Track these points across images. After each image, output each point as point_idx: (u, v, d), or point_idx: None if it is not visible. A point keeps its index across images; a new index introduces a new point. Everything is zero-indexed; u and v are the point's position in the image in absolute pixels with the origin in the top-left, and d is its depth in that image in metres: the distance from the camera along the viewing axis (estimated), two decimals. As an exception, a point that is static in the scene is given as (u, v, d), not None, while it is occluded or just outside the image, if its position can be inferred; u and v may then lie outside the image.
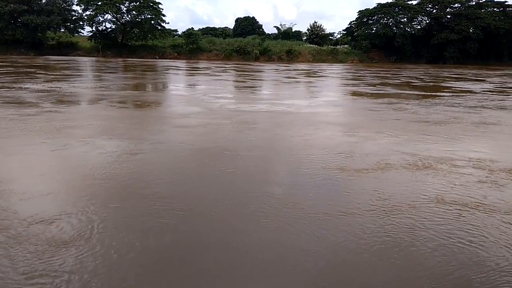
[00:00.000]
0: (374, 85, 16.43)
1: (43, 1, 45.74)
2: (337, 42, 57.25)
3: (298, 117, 8.08)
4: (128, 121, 7.38)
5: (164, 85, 16.20)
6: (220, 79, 18.28)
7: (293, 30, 57.68)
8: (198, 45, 46.98)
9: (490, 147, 5.77)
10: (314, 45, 51.72)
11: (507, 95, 12.76)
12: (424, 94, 12.83)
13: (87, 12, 46.48)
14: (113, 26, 47.70)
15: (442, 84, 16.64)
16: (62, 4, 47.43)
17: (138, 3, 46.59)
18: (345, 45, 53.21)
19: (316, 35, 56.15)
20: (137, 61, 36.16)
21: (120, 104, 9.57)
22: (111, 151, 5.07)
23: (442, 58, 49.38)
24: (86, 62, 31.34)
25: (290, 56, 48.37)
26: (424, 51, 50.29)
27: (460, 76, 23.99)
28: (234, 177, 4.16)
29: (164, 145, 5.51)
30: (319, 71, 27.93)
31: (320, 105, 10.10)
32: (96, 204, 3.28)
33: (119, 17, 47.11)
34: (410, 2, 52.20)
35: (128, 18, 47.38)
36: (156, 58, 44.25)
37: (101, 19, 46.78)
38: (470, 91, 13.73)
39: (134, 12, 46.87)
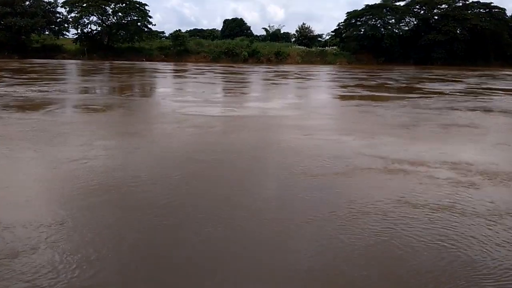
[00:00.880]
0: (347, 86, 16.28)
1: (27, 3, 45.11)
2: (325, 43, 57.17)
3: (251, 120, 7.81)
4: (57, 127, 6.93)
5: (127, 88, 15.48)
6: (193, 81, 18.03)
7: (282, 32, 57.67)
8: (186, 47, 46.67)
9: (458, 149, 5.60)
10: (302, 47, 51.65)
11: (475, 96, 12.59)
12: (393, 96, 12.64)
13: (72, 14, 45.94)
14: (99, 28, 47.23)
15: (415, 86, 16.48)
16: (47, 6, 46.84)
17: (124, 4, 46.16)
18: (334, 47, 53.20)
19: (305, 36, 56.08)
20: (121, 64, 35.73)
21: (62, 109, 9.15)
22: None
23: (430, 59, 49.50)
24: (66, 65, 30.68)
25: (279, 58, 48.25)
26: (412, 52, 50.39)
27: (438, 77, 23.92)
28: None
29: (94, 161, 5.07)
30: (299, 72, 27.72)
31: (281, 108, 9.81)
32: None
33: (105, 19, 46.67)
34: (397, 3, 52.41)
35: (114, 20, 46.94)
36: (143, 61, 43.77)
37: (87, 21, 46.29)
38: (440, 92, 13.57)
39: (120, 14, 46.48)
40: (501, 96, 12.94)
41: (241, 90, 14.80)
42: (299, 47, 51.59)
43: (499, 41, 51.16)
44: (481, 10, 51.18)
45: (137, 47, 46.88)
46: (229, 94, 13.36)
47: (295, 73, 26.57)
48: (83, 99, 11.24)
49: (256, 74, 24.53)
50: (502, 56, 52.79)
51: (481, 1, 51.56)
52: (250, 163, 4.77)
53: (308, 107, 10.31)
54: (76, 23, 45.79)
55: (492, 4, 51.48)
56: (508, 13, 55.25)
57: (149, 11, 47.54)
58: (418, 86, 16.38)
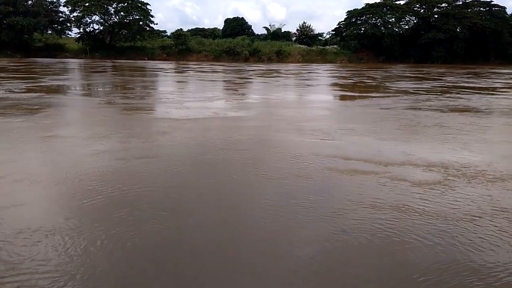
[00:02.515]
0: (320, 85, 16.24)
1: (29, 3, 45.34)
2: (326, 42, 57.42)
3: (198, 122, 7.21)
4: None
5: (101, 86, 14.69)
6: (179, 81, 17.97)
7: (283, 31, 57.80)
8: (187, 46, 46.96)
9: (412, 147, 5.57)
10: (303, 46, 51.86)
11: (439, 95, 12.17)
12: (358, 95, 12.45)
13: (75, 14, 46.28)
14: (101, 28, 47.50)
15: (386, 85, 16.21)
16: (49, 5, 47.12)
17: (126, 4, 46.38)
18: (334, 45, 53.40)
19: (306, 35, 56.31)
20: (121, 63, 35.98)
21: (12, 110, 8.24)
22: None
23: (430, 58, 49.69)
24: (62, 64, 30.15)
25: (280, 57, 48.46)
26: (412, 50, 50.58)
27: (420, 75, 23.68)
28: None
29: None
30: (285, 71, 27.38)
31: (227, 108, 9.12)
32: None
33: (107, 18, 46.89)
34: (398, 2, 52.61)
35: (116, 19, 47.16)
36: (145, 60, 44.05)
37: (89, 20, 46.56)
38: (405, 91, 13.31)
39: (122, 13, 46.68)
40: (469, 94, 12.75)
41: (219, 90, 14.26)
42: (300, 46, 51.80)
43: (499, 40, 51.36)
44: (481, 9, 51.34)
45: (139, 46, 47.15)
46: (209, 95, 12.76)
47: (282, 71, 26.44)
48: (17, 99, 10.02)
49: (241, 73, 23.98)
50: (502, 55, 52.98)
51: (481, 0, 51.74)
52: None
53: (266, 107, 9.63)
54: (78, 22, 46.06)
55: (492, 3, 51.69)
56: (508, 12, 55.50)
57: (151, 10, 47.89)
58: (389, 85, 16.09)
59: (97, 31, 47.72)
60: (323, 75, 24.28)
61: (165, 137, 5.91)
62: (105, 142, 5.49)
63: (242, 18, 59.82)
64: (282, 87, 15.34)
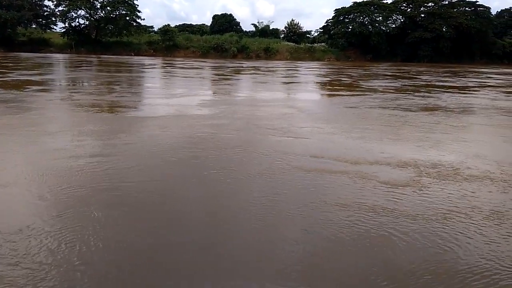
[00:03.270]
0: (293, 83, 16.10)
1: (13, -4, 44.62)
2: (314, 40, 57.52)
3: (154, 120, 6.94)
4: None
5: (67, 81, 14.15)
6: (151, 77, 17.62)
7: (271, 28, 57.73)
8: (175, 42, 46.67)
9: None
10: (291, 43, 51.84)
11: (408, 94, 12.14)
12: (329, 93, 12.44)
13: (60, 8, 45.71)
14: (87, 22, 46.95)
15: (360, 83, 15.92)
16: (33, -1, 46.44)
17: (112, -2, 45.92)
18: (322, 43, 53.51)
19: (294, 33, 56.29)
20: (106, 58, 35.59)
21: None
22: None
23: (416, 57, 50.16)
24: (42, 59, 29.00)
25: (268, 54, 48.43)
26: (399, 49, 50.99)
27: (397, 74, 23.68)
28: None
29: None
30: (266, 68, 27.10)
31: (201, 106, 8.74)
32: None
33: (93, 13, 46.34)
34: (385, 1, 52.99)
35: (102, 14, 46.66)
36: (132, 55, 43.68)
37: (74, 15, 46.02)
38: (375, 90, 13.21)
39: (108, 8, 46.19)
40: (439, 93, 12.56)
41: (171, 86, 13.87)
42: (288, 43, 51.79)
43: (484, 39, 52.08)
44: (467, 9, 52.01)
45: (125, 41, 46.70)
46: (153, 89, 12.49)
47: (263, 68, 26.14)
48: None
49: (220, 69, 23.53)
50: (487, 54, 53.78)
51: (467, 0, 52.39)
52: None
53: (232, 105, 9.15)
54: (63, 16, 45.43)
55: (478, 3, 52.42)
56: (493, 12, 56.38)
57: (137, 5, 47.57)
58: (362, 83, 15.92)
59: (82, 26, 47.19)
60: (303, 72, 24.10)
61: (118, 136, 5.57)
62: (49, 140, 5.26)
63: (230, 14, 59.72)
64: (255, 85, 14.95)
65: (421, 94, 12.47)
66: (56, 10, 46.43)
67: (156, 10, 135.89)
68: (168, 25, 48.06)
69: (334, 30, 52.22)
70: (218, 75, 19.51)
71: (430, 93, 12.92)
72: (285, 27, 57.78)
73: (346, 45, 50.74)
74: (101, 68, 22.79)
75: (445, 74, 24.76)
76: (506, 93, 13.64)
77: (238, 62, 36.62)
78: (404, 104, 9.75)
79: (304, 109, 8.59)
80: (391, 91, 13.22)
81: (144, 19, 57.76)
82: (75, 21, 46.46)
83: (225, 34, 51.30)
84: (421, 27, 50.14)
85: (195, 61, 35.87)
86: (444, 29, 49.90)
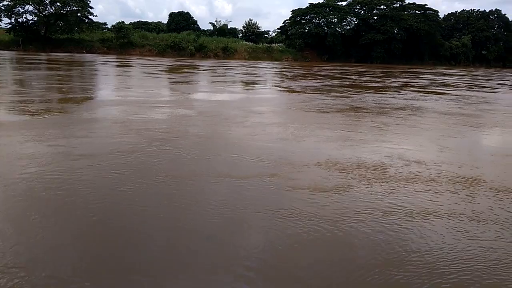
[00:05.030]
0: (216, 82, 16.03)
1: (-48, -11, 41.80)
2: (272, 40, 58.03)
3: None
4: None
5: None
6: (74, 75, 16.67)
7: (229, 27, 57.68)
8: (130, 40, 45.43)
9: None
10: (250, 43, 52.01)
11: (323, 93, 12.37)
12: (241, 92, 12.55)
13: (5, 2, 43.05)
14: (35, 18, 44.72)
15: (287, 83, 16.25)
16: (-25, -7, 43.65)
17: (62, -6, 44.03)
18: (280, 44, 54.08)
19: (252, 32, 56.55)
20: (53, 56, 34.15)
21: None
22: None
23: (370, 58, 51.83)
24: None
25: (227, 53, 48.28)
26: (354, 50, 52.49)
27: (332, 73, 24.11)
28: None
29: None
30: (200, 66, 27.09)
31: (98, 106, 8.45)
32: None
33: (42, 8, 44.21)
34: (340, 3, 54.24)
35: (51, 10, 44.59)
36: (84, 53, 42.12)
37: (21, 10, 43.62)
38: (292, 90, 13.41)
39: (58, 4, 44.19)
40: (357, 94, 12.59)
41: (84, 85, 13.34)
42: (246, 43, 51.91)
43: (432, 41, 54.71)
44: (417, 12, 54.36)
45: (77, 38, 44.91)
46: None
47: (200, 67, 25.92)
48: None
49: (152, 68, 22.85)
50: (435, 55, 56.59)
51: (417, 3, 54.80)
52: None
53: (132, 105, 8.57)
54: (9, 12, 42.94)
55: (427, 6, 54.94)
56: (441, 15, 59.30)
57: (90, 1, 45.84)
58: (291, 84, 16.12)
59: (30, 22, 44.84)
60: (239, 71, 23.89)
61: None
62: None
63: (188, 12, 59.03)
64: (176, 84, 14.49)
65: (337, 94, 12.39)
66: (1, 4, 43.85)
67: (109, 6, 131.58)
68: (122, 22, 46.84)
69: (291, 30, 52.93)
70: (146, 73, 18.65)
71: (347, 93, 12.86)
72: (243, 27, 57.96)
73: (303, 46, 51.55)
74: (31, 66, 21.06)
75: (380, 75, 25.40)
76: (424, 93, 14.01)
77: (182, 60, 36.16)
78: (309, 105, 9.65)
79: (205, 111, 8.00)
80: (308, 91, 13.16)
81: (96, 16, 56.13)
82: (22, 17, 44.11)
83: (182, 32, 50.64)
84: (374, 29, 51.87)
85: (141, 59, 35.07)
86: (395, 31, 51.91)
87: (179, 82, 15.32)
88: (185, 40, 47.51)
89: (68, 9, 44.60)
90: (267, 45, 52.47)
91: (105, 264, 2.29)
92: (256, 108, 8.81)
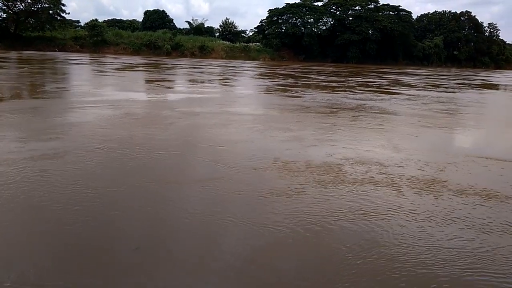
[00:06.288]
0: (164, 80, 15.53)
1: None
2: (249, 39, 58.10)
3: None
4: None
5: None
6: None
7: (206, 26, 57.40)
8: (103, 38, 44.66)
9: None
10: (227, 42, 51.94)
11: (268, 93, 12.49)
12: (187, 91, 12.07)
13: (-29, -2, 41.73)
14: (4, 15, 43.39)
15: (240, 82, 16.42)
16: None
17: (33, -10, 42.88)
18: (257, 43, 54.21)
19: (229, 31, 56.47)
20: (21, 54, 33.20)
21: None
22: None
23: (345, 58, 52.55)
24: None
25: (203, 52, 48.08)
26: (330, 50, 53.13)
27: (294, 73, 24.04)
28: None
29: None
30: (163, 65, 26.54)
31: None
32: None
33: (11, 5, 42.90)
34: (316, 3, 54.75)
35: (21, 7, 43.37)
36: (56, 51, 41.14)
37: (-11, 6, 42.29)
38: (241, 91, 13.17)
39: (29, 1, 43.10)
40: (307, 93, 12.40)
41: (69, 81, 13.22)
42: (224, 42, 51.81)
43: (406, 42, 55.97)
44: (391, 13, 55.47)
45: (48, 36, 43.79)
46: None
47: (162, 66, 25.48)
48: None
49: (105, 66, 22.42)
50: (409, 56, 57.90)
51: (391, 4, 55.94)
52: None
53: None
54: (-24, 8, 41.60)
55: (400, 7, 56.15)
56: (414, 16, 60.69)
57: (62, -2, 44.73)
58: (246, 83, 16.24)
59: (-1, 19, 43.50)
60: (201, 70, 23.32)
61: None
62: None
63: (163, 11, 58.40)
64: (122, 83, 13.98)
65: (287, 94, 12.21)
66: (-33, 0, 42.37)
67: (83, 4, 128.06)
68: (96, 19, 46.02)
69: (268, 30, 53.10)
70: (95, 71, 18.08)
71: (298, 92, 12.69)
72: (220, 26, 57.82)
73: (280, 45, 51.82)
74: None
75: (343, 74, 25.21)
76: (378, 92, 13.92)
77: (150, 59, 35.62)
78: (256, 102, 9.74)
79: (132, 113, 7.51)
80: (259, 91, 13.23)
81: (69, 13, 54.76)
82: (-10, 14, 42.74)
83: (158, 31, 50.11)
84: (349, 30, 52.63)
85: (102, 57, 34.40)
86: (370, 32, 52.83)
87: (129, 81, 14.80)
88: (161, 38, 47.10)
89: (40, 6, 43.53)
90: (244, 44, 52.50)
91: None
92: (193, 109, 8.27)
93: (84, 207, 3.07)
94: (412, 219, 3.08)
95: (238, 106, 9.26)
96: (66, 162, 4.15)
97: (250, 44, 53.33)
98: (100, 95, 9.99)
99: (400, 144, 5.75)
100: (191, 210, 3.12)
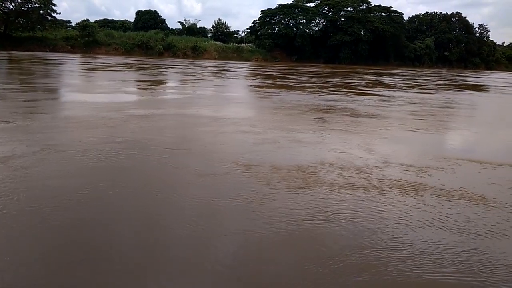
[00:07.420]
0: (146, 81, 15.15)
1: None
2: (242, 40, 58.10)
3: None
4: None
5: None
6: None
7: (198, 26, 57.29)
8: (95, 38, 44.37)
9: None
10: (219, 43, 51.89)
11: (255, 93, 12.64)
12: (152, 90, 12.08)
13: (-41, -3, 41.22)
14: (-6, 15, 42.92)
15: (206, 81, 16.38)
16: None
17: (23, -10, 42.50)
18: (250, 44, 54.23)
19: (221, 32, 56.45)
20: (10, 55, 32.87)
21: None
22: None
23: (338, 59, 52.76)
24: None
25: (196, 53, 47.98)
26: (322, 51, 53.32)
27: (273, 73, 24.12)
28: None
29: None
30: (144, 65, 26.54)
31: None
32: None
33: (1, 5, 42.47)
34: (308, 4, 54.92)
35: (12, 7, 42.97)
36: (47, 51, 40.79)
37: (-21, 6, 41.80)
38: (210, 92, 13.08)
39: (19, 0, 42.69)
40: (277, 94, 12.31)
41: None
42: (216, 42, 51.74)
43: (397, 43, 56.34)
44: (382, 14, 55.84)
45: (39, 36, 43.41)
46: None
47: (140, 65, 25.29)
48: None
49: (85, 64, 22.07)
50: (400, 57, 58.29)
51: (382, 5, 56.28)
52: None
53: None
54: (-36, 7, 41.10)
55: (392, 9, 56.55)
56: (405, 17, 61.16)
57: (53, -2, 44.40)
58: (218, 84, 15.91)
59: (-12, 18, 43.01)
60: (177, 70, 23.05)
61: None
62: None
63: (155, 11, 58.09)
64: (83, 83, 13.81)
65: (256, 95, 12.35)
66: (-44, 0, 41.85)
67: (74, 4, 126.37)
68: (88, 20, 45.74)
69: (260, 31, 53.15)
70: (73, 70, 17.81)
71: (268, 93, 12.69)
72: (213, 26, 57.77)
73: (272, 46, 51.89)
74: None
75: (324, 75, 25.06)
76: (353, 94, 13.78)
77: (134, 59, 35.41)
78: (218, 103, 9.62)
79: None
80: (230, 93, 13.15)
81: (60, 13, 54.38)
82: (-21, 13, 42.22)
83: (150, 31, 49.88)
84: (341, 31, 52.87)
85: (90, 57, 34.14)
86: (362, 33, 53.11)
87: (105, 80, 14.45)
88: (153, 39, 46.94)
89: (30, 6, 43.17)
90: (237, 45, 52.51)
91: None
92: (145, 110, 7.90)
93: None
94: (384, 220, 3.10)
95: (196, 107, 8.79)
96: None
97: (243, 44, 53.34)
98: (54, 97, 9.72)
99: (369, 145, 5.74)
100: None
